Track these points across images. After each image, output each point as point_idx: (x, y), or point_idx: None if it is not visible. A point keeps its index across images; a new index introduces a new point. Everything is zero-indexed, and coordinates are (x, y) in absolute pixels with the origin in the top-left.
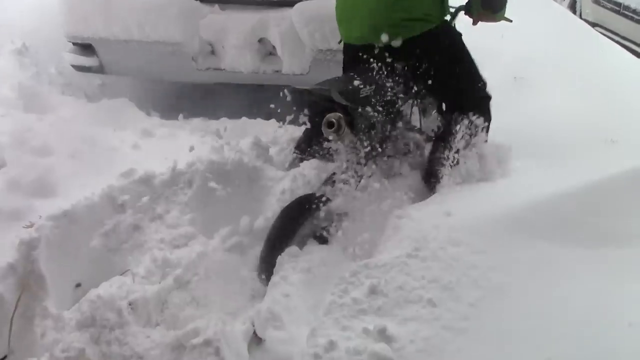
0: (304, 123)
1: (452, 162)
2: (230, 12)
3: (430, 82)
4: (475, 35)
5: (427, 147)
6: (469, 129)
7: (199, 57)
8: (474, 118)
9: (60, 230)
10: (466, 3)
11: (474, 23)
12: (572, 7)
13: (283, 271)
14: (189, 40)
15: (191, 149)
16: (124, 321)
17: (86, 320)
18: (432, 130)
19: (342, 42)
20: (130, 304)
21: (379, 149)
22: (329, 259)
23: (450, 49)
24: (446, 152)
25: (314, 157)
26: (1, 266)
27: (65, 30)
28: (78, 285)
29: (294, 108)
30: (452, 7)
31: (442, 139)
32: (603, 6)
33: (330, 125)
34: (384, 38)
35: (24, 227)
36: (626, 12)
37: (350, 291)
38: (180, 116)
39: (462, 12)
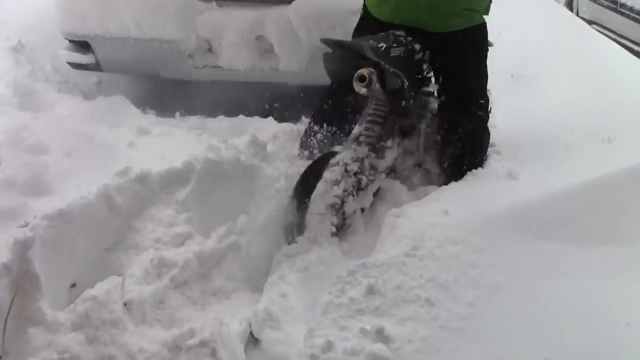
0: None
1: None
2: (227, 9)
3: (441, 77)
4: None
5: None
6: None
7: (195, 54)
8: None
9: (55, 230)
10: None
11: None
12: (569, 5)
13: (280, 270)
14: (185, 37)
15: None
16: (119, 322)
17: (81, 321)
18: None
19: (362, 15)
20: (125, 304)
21: (403, 111)
22: (326, 258)
23: (481, 46)
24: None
25: (318, 148)
26: None
27: (61, 28)
28: (73, 285)
29: (325, 67)
30: None
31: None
32: (600, 4)
33: (362, 79)
34: (442, 24)
35: (18, 226)
36: (622, 10)
37: (347, 291)
38: (177, 114)
39: None
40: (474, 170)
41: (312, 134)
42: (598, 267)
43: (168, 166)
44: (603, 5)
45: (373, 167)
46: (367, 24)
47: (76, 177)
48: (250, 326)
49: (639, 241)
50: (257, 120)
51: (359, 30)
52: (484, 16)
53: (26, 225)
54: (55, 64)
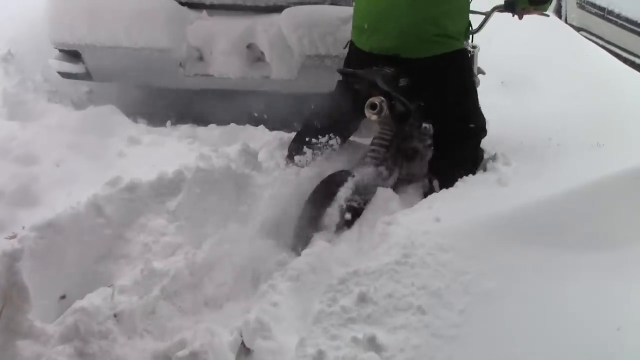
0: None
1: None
2: (218, 17)
3: (423, 103)
4: None
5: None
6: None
7: (186, 63)
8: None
9: (44, 241)
10: (509, 2)
11: (520, 18)
12: (558, 12)
13: (271, 279)
14: (176, 46)
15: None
16: (109, 333)
17: (70, 333)
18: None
19: (349, 47)
20: (115, 315)
21: (408, 136)
22: (317, 266)
23: (464, 73)
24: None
25: (310, 153)
26: None
27: (51, 37)
28: (63, 297)
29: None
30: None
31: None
32: (588, 11)
33: (373, 107)
34: (417, 52)
35: (6, 238)
36: (610, 17)
37: (339, 299)
38: (168, 123)
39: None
40: (464, 177)
41: (305, 143)
42: (589, 272)
43: (159, 175)
44: (591, 13)
45: (376, 188)
46: (353, 54)
47: (66, 187)
48: (241, 336)
49: (629, 246)
50: (248, 129)
51: (348, 61)
52: (470, 42)
53: (15, 236)
54: (46, 73)
